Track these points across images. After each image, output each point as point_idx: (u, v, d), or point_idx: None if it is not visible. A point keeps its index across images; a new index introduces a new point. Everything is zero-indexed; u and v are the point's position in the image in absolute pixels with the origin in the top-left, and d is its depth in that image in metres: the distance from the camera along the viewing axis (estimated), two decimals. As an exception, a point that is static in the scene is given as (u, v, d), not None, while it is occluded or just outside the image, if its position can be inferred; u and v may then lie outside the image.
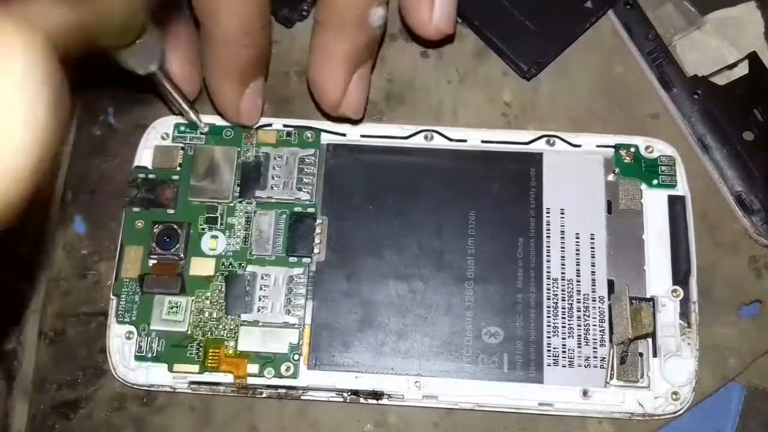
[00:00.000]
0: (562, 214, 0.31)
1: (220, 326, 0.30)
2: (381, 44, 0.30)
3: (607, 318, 0.30)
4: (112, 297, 0.30)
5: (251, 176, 0.31)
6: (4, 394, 0.31)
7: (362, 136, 0.32)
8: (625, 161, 0.32)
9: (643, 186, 0.31)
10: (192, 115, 0.31)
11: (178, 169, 0.31)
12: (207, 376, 0.29)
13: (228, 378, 0.29)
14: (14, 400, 0.31)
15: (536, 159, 0.32)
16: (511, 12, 0.33)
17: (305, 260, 0.30)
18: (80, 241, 0.32)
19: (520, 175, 0.31)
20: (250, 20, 0.26)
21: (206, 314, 0.30)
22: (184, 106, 0.30)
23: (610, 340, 0.29)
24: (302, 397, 0.29)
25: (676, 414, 0.29)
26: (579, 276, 0.30)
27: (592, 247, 0.31)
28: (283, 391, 0.29)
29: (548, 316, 0.30)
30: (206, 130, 0.32)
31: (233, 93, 0.30)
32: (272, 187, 0.31)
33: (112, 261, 0.31)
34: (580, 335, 0.30)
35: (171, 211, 0.31)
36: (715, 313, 0.31)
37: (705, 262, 0.31)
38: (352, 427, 0.30)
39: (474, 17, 0.33)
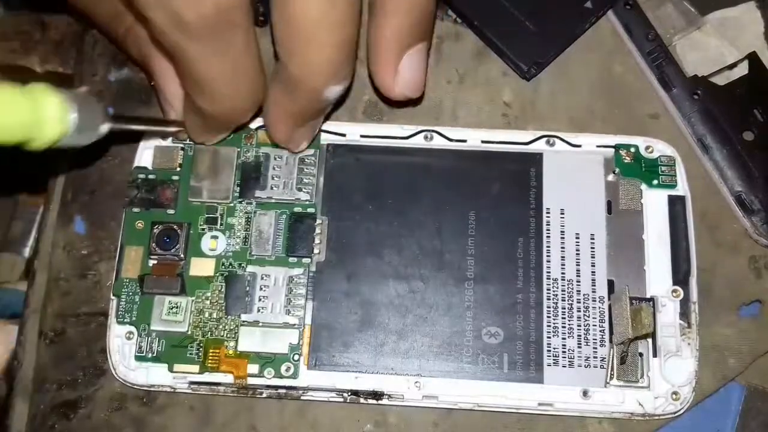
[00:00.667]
0: (562, 214, 0.31)
1: (220, 326, 0.30)
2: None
3: (607, 318, 0.30)
4: (112, 297, 0.30)
5: (251, 176, 0.31)
6: (5, 394, 0.31)
7: (362, 136, 0.32)
8: (625, 161, 0.32)
9: (643, 186, 0.31)
10: (176, 132, 0.30)
11: (178, 169, 0.31)
12: (207, 377, 0.29)
13: (228, 378, 0.29)
14: (14, 400, 0.31)
15: (536, 159, 0.32)
16: (511, 12, 0.33)
17: (305, 260, 0.30)
18: (80, 241, 0.32)
19: (520, 175, 0.31)
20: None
21: (206, 314, 0.30)
22: (169, 130, 0.30)
23: (610, 340, 0.29)
24: (302, 398, 0.29)
25: (676, 414, 0.29)
26: (579, 276, 0.30)
27: (592, 248, 0.31)
28: (283, 391, 0.29)
29: (548, 316, 0.30)
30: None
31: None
32: (272, 188, 0.31)
33: (112, 261, 0.31)
34: (580, 335, 0.30)
35: (171, 212, 0.31)
36: (716, 314, 0.31)
37: (705, 262, 0.31)
38: (351, 427, 0.30)
39: (474, 17, 0.33)
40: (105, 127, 0.25)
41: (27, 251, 0.39)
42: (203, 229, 0.31)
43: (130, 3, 0.24)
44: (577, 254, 0.30)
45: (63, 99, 0.22)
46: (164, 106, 0.30)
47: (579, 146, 0.32)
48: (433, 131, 0.32)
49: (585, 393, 0.29)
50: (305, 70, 0.24)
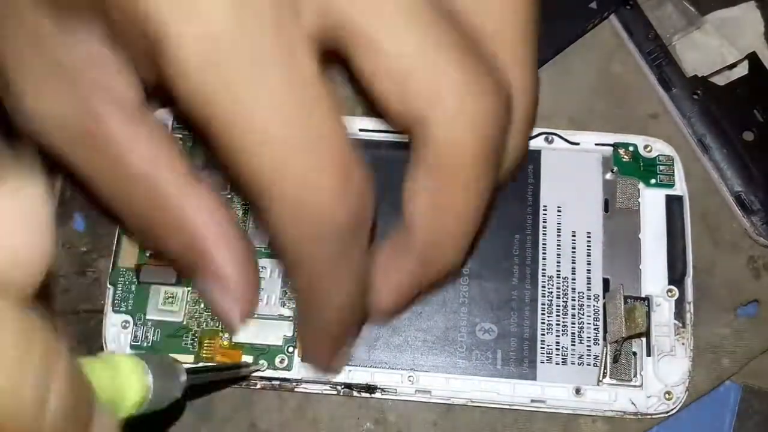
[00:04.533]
0: (559, 211, 0.31)
1: (216, 317, 0.30)
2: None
3: (601, 316, 0.30)
4: (108, 286, 0.30)
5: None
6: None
7: (360, 130, 0.32)
8: (624, 160, 0.31)
9: (641, 185, 0.31)
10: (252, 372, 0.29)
11: (177, 160, 0.32)
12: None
13: (222, 369, 0.30)
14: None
15: (534, 156, 0.32)
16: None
17: (301, 253, 0.31)
18: (80, 238, 0.32)
19: (518, 171, 0.31)
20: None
21: (202, 305, 0.30)
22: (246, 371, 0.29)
23: (604, 339, 0.29)
24: (296, 390, 0.29)
25: (669, 413, 0.29)
26: (574, 274, 0.30)
27: (588, 245, 0.30)
28: (277, 383, 0.30)
29: (543, 314, 0.30)
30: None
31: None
32: (270, 180, 0.31)
33: (111, 258, 0.31)
34: (574, 333, 0.29)
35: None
36: (713, 313, 0.30)
37: (704, 262, 0.31)
38: (351, 425, 0.30)
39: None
40: (180, 389, 0.23)
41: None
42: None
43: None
44: (573, 252, 0.30)
45: (141, 368, 0.21)
46: (223, 305, 0.27)
47: (577, 144, 0.32)
48: (431, 127, 0.32)
49: (578, 390, 0.29)
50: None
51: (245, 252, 0.26)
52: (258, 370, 0.29)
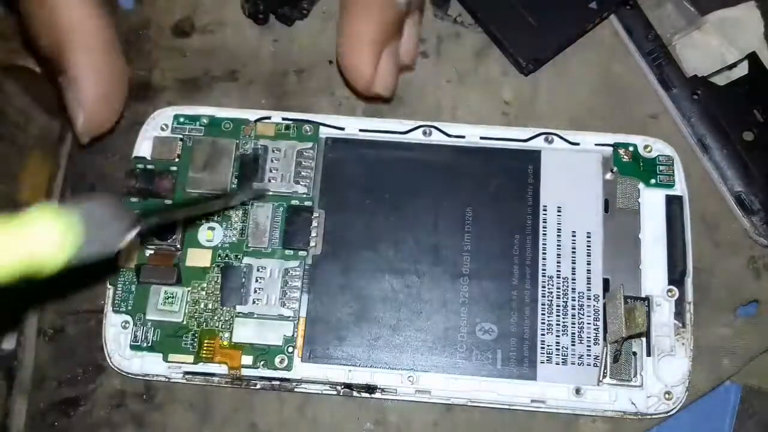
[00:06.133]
0: (559, 211, 0.31)
1: (215, 317, 0.30)
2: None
3: (601, 316, 0.30)
4: (108, 286, 0.30)
5: (249, 168, 0.31)
6: (4, 392, 0.31)
7: (361, 130, 0.32)
8: (624, 160, 0.31)
9: (641, 185, 0.31)
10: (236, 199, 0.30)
11: (177, 160, 0.32)
12: (201, 367, 0.30)
13: (222, 369, 0.30)
14: (14, 398, 0.31)
15: (534, 156, 0.32)
16: (515, 7, 0.33)
17: (301, 253, 0.31)
18: (79, 236, 0.32)
19: (518, 172, 0.31)
20: None
21: (202, 305, 0.30)
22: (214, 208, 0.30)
23: (604, 339, 0.29)
24: (296, 390, 0.29)
25: (669, 413, 0.29)
26: (574, 274, 0.30)
27: (588, 246, 0.30)
28: (277, 383, 0.30)
29: (543, 314, 0.30)
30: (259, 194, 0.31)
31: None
32: (270, 180, 0.31)
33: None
34: (574, 333, 0.29)
35: (169, 202, 0.31)
36: (713, 313, 0.30)
37: (704, 262, 0.31)
38: (351, 425, 0.30)
39: (477, 9, 0.33)
40: (132, 232, 0.22)
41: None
42: (200, 220, 0.31)
43: None
44: (573, 252, 0.30)
45: (63, 219, 0.20)
46: (72, 108, 0.28)
47: (577, 144, 0.32)
48: (431, 127, 0.32)
49: (578, 391, 0.29)
50: None
51: (109, 68, 0.28)
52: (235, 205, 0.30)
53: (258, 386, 0.30)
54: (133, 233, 0.22)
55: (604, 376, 0.29)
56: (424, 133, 0.32)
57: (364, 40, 0.27)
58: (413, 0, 0.28)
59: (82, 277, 0.31)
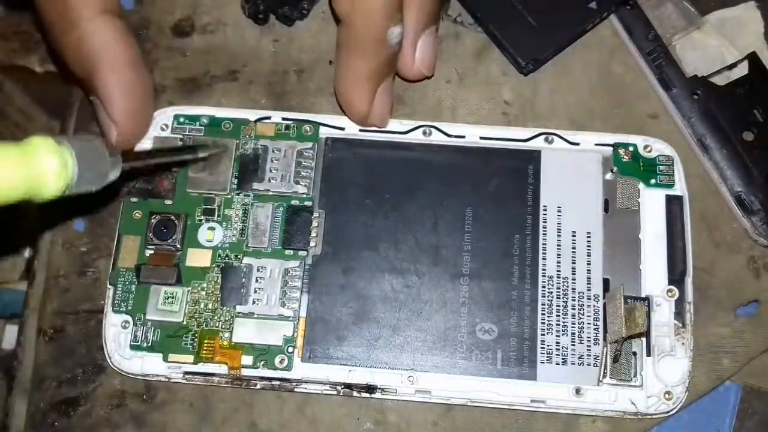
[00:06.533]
0: (559, 211, 0.31)
1: (215, 317, 0.30)
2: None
3: (601, 316, 0.30)
4: (108, 286, 0.30)
5: (249, 168, 0.31)
6: (4, 392, 0.31)
7: (361, 130, 0.32)
8: (624, 160, 0.31)
9: (641, 185, 0.31)
10: (197, 155, 0.31)
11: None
12: (201, 367, 0.30)
13: (222, 369, 0.30)
14: (14, 398, 0.31)
15: (534, 156, 0.32)
16: (515, 7, 0.33)
17: (301, 253, 0.31)
18: (79, 238, 0.32)
19: (518, 172, 0.31)
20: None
21: (202, 305, 0.30)
22: (183, 157, 0.31)
23: (604, 339, 0.29)
24: (296, 390, 0.29)
25: (669, 413, 0.29)
26: (574, 274, 0.30)
27: (588, 246, 0.30)
28: (277, 383, 0.30)
29: (543, 314, 0.30)
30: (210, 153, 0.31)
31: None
32: (270, 180, 0.31)
33: (111, 258, 0.31)
34: (574, 333, 0.29)
35: (169, 202, 0.31)
36: (713, 313, 0.30)
37: (704, 262, 0.31)
38: (351, 425, 0.30)
39: (477, 9, 0.33)
40: (115, 172, 0.25)
41: (27, 251, 0.39)
42: (200, 220, 0.31)
43: None
44: (573, 252, 0.30)
45: (61, 151, 0.22)
46: (105, 124, 0.30)
47: (577, 144, 0.32)
48: (431, 127, 0.32)
49: (578, 391, 0.29)
50: (367, 16, 0.27)
51: (136, 85, 0.29)
52: (208, 155, 0.31)
53: (258, 386, 0.30)
54: (117, 172, 0.25)
55: (604, 376, 0.29)
56: (424, 133, 0.32)
57: (360, 78, 0.29)
58: (429, 15, 0.30)
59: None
